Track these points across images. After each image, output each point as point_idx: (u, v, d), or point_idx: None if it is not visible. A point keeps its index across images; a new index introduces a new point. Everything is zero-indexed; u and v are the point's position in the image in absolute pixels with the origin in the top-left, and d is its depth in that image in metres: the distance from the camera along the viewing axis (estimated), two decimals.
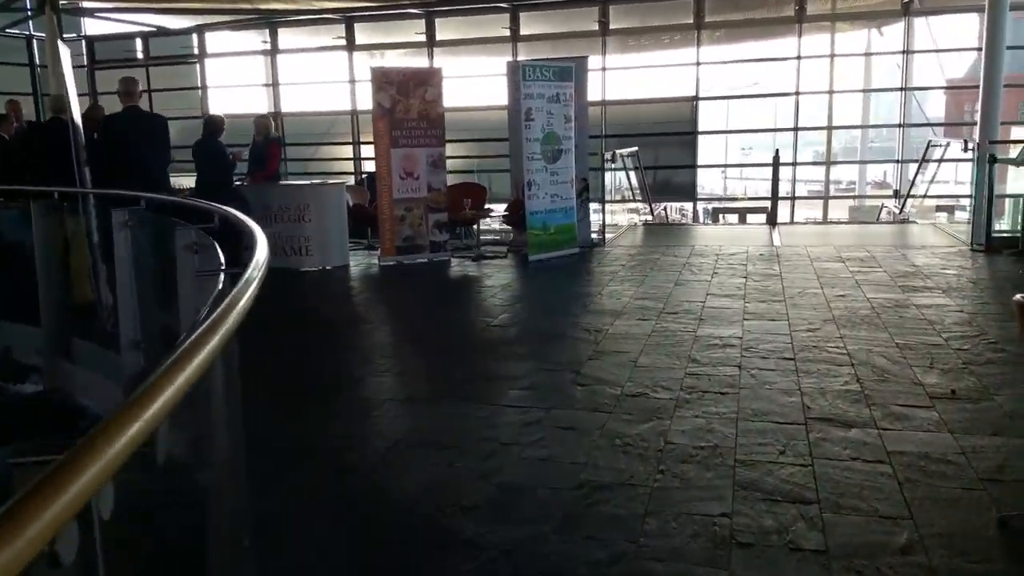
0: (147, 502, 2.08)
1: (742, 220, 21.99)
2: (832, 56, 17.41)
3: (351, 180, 15.25)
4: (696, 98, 16.58)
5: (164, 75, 19.86)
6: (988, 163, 7.40)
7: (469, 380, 4.41)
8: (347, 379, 4.55)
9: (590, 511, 2.77)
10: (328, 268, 8.15)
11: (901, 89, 16.31)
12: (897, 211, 13.48)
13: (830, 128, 18.38)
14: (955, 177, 14.81)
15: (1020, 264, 6.97)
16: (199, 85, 19.82)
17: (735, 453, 3.19)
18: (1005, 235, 7.78)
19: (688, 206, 19.38)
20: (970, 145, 8.14)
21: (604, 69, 16.84)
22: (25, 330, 5.34)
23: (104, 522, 1.14)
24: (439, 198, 8.40)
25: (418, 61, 18.25)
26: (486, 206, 9.31)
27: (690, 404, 3.79)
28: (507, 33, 17.16)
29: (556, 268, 8.01)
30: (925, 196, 11.31)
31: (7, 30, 15.82)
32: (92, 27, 19.25)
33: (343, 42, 18.51)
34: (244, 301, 1.68)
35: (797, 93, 16.27)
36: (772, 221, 10.83)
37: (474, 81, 17.30)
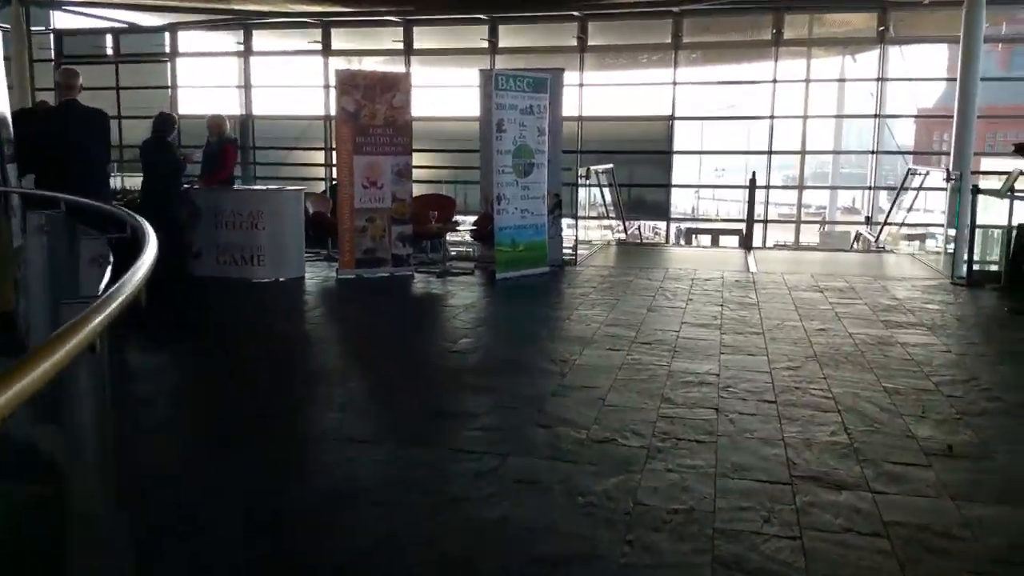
0: None
1: (715, 241, 21.87)
2: (807, 81, 17.38)
3: (322, 186, 14.76)
4: (672, 118, 16.40)
5: (134, 73, 19.26)
6: (972, 194, 7.15)
7: (420, 417, 3.97)
8: (283, 410, 4.09)
9: None
10: (282, 280, 7.66)
11: (875, 116, 16.30)
12: (872, 239, 13.34)
13: (803, 152, 18.34)
14: (924, 205, 14.72)
15: (1005, 300, 6.72)
16: (169, 84, 19.24)
17: (714, 520, 2.79)
18: (989, 269, 7.53)
19: (661, 225, 19.20)
20: (952, 176, 7.91)
21: (581, 85, 16.61)
22: None
23: None
24: (403, 209, 7.96)
25: (395, 69, 17.85)
26: (454, 219, 8.90)
27: (663, 454, 3.40)
28: (485, 45, 16.87)
29: (524, 288, 7.61)
30: (903, 224, 11.12)
31: None
32: (61, 21, 18.59)
33: (319, 46, 18.06)
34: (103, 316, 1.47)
35: (772, 117, 16.16)
36: (747, 245, 10.56)
37: (451, 91, 16.95)
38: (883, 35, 15.37)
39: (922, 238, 13.86)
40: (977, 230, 7.43)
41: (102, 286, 2.39)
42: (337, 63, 17.80)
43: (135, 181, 10.26)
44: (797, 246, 18.32)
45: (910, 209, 10.68)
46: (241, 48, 18.83)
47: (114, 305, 1.55)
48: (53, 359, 1.21)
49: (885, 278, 8.05)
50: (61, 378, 1.27)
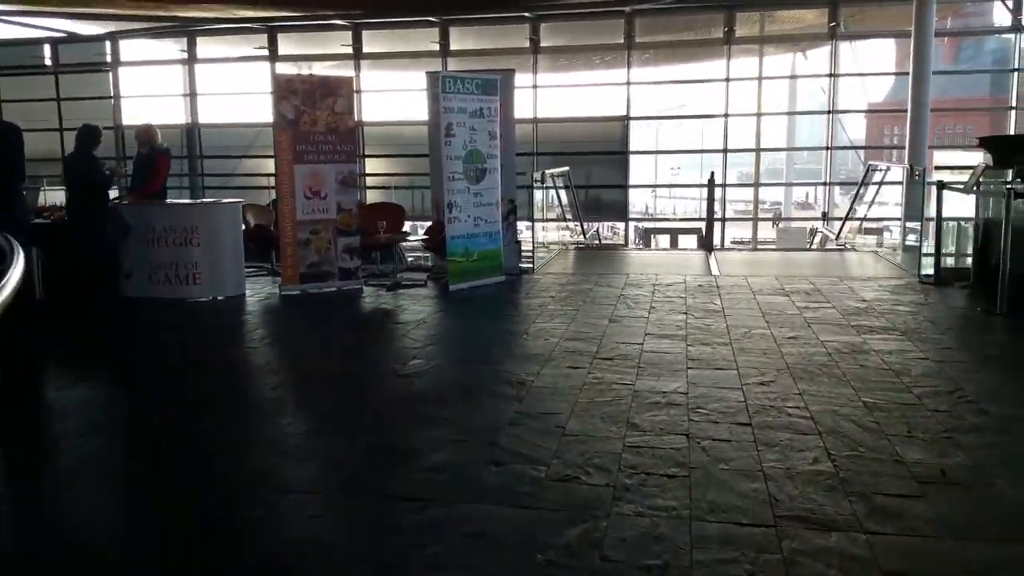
0: None
1: (674, 241, 21.75)
2: (760, 79, 17.34)
3: (273, 195, 14.20)
4: (627, 118, 16.21)
5: (74, 83, 18.45)
6: (936, 190, 6.96)
7: (360, 457, 3.54)
8: (209, 453, 3.62)
9: None
10: (220, 299, 7.15)
11: (828, 112, 16.31)
12: (831, 235, 13.23)
13: (759, 150, 18.32)
14: (878, 198, 14.71)
15: (976, 300, 6.52)
16: (111, 94, 18.46)
17: None
18: (955, 265, 7.36)
19: (620, 225, 18.98)
20: (916, 171, 7.73)
21: (535, 87, 16.32)
22: None
23: None
24: (349, 220, 7.50)
25: (345, 73, 17.32)
26: (405, 229, 8.46)
27: (631, 494, 3.03)
28: (436, 47, 16.47)
29: (479, 299, 7.21)
30: (864, 219, 10.99)
31: None
32: None
33: (265, 52, 17.48)
34: None
35: (726, 115, 16.07)
36: (708, 246, 10.31)
37: (405, 95, 16.52)
38: (834, 31, 15.36)
39: (879, 232, 13.81)
40: (943, 226, 7.25)
41: None
42: (285, 68, 17.22)
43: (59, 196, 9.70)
44: (756, 246, 18.28)
45: (871, 204, 10.53)
46: (185, 56, 18.18)
47: None
48: None
49: (850, 278, 7.84)
50: None
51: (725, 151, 16.56)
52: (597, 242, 15.04)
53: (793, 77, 20.13)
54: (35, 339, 4.67)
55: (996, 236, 6.62)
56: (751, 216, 20.54)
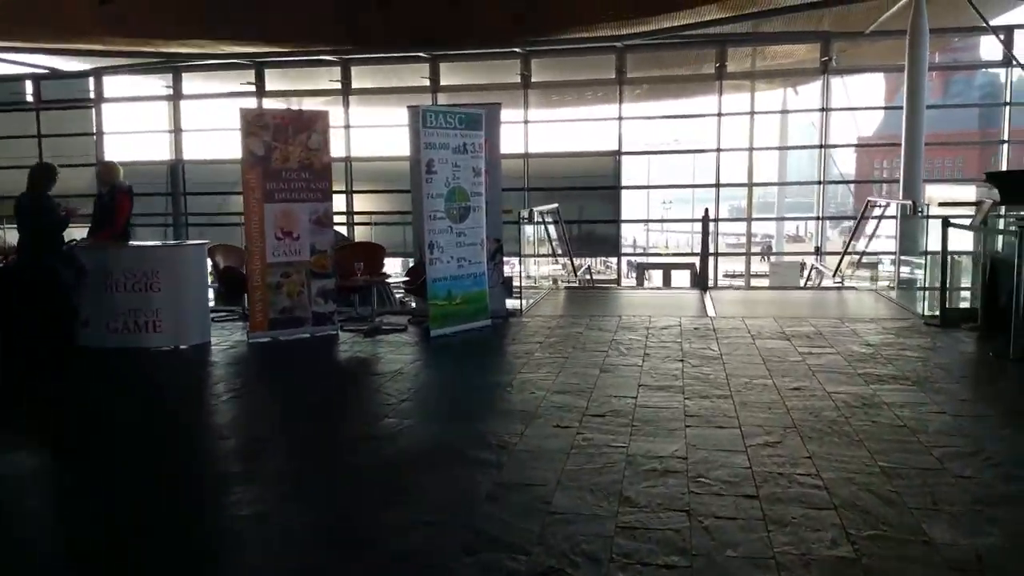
0: None
1: (666, 277, 21.45)
2: (752, 113, 17.20)
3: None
4: (619, 152, 16.00)
5: (56, 120, 18.18)
6: (942, 227, 6.62)
7: (312, 544, 3.10)
8: (141, 549, 3.16)
9: None
10: (183, 347, 6.71)
11: (820, 147, 16.14)
12: (828, 271, 12.93)
13: (751, 184, 18.12)
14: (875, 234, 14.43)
15: (986, 343, 6.15)
16: (94, 131, 18.19)
17: None
18: (961, 306, 7.01)
19: (612, 260, 18.67)
20: (919, 207, 7.41)
21: (526, 121, 16.12)
22: None
23: None
24: (323, 261, 7.11)
25: (334, 109, 17.10)
26: (384, 270, 8.06)
27: None
28: (427, 83, 16.29)
29: (462, 346, 6.80)
30: (863, 253, 10.68)
31: None
32: None
33: (253, 88, 17.26)
34: None
35: (719, 150, 15.88)
36: (703, 285, 9.95)
37: (395, 131, 16.27)
38: (826, 65, 15.24)
39: (873, 266, 13.51)
40: (945, 265, 6.92)
41: None
42: (273, 104, 16.98)
43: (75, 232, 9.33)
44: (750, 281, 17.98)
45: (870, 239, 10.23)
46: (170, 92, 17.95)
47: None
48: None
49: (852, 319, 7.46)
50: None
51: (718, 185, 16.36)
52: (589, 279, 14.71)
53: (784, 112, 20.06)
54: None
55: (1004, 275, 6.28)
56: (743, 251, 20.32)
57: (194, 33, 14.51)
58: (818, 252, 16.71)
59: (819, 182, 16.47)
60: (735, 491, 3.42)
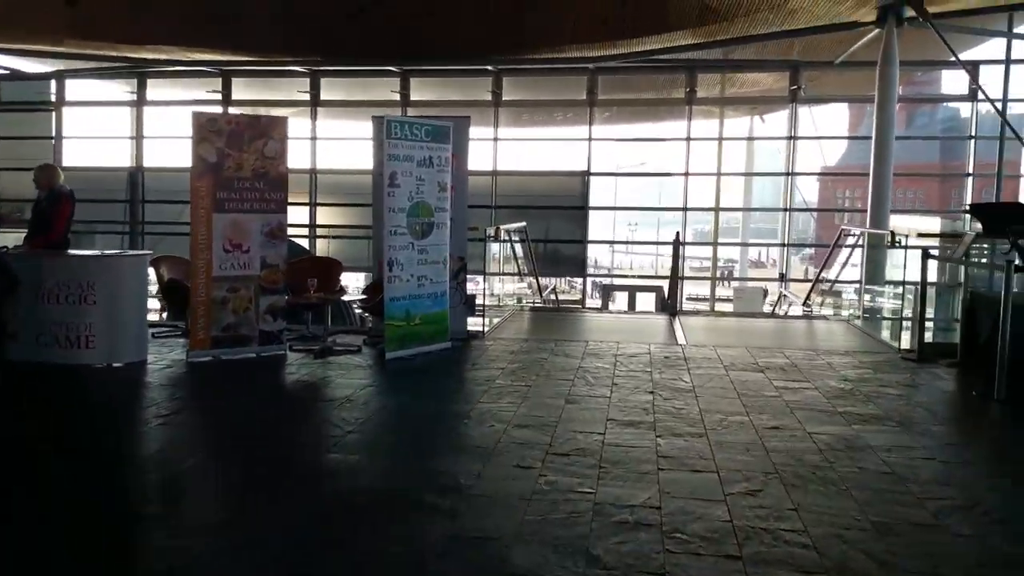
0: None
1: (632, 298, 21.27)
2: (720, 139, 17.16)
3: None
4: (588, 173, 15.79)
5: (15, 122, 17.45)
6: (922, 259, 6.40)
7: None
8: None
9: None
10: (116, 366, 6.18)
11: (787, 174, 16.11)
12: (796, 298, 12.80)
13: (718, 209, 18.05)
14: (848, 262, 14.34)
15: (967, 380, 5.92)
16: (53, 135, 17.48)
17: None
18: (938, 340, 6.80)
19: (578, 280, 18.39)
20: (898, 238, 7.21)
21: (496, 139, 15.84)
22: None
23: None
24: (275, 276, 6.65)
25: (302, 122, 16.64)
26: (340, 287, 7.61)
27: None
28: (397, 97, 15.94)
29: (418, 370, 6.37)
30: (835, 282, 10.52)
31: None
32: None
33: (219, 96, 16.72)
34: None
35: (687, 174, 15.75)
36: (672, 311, 9.67)
37: (363, 144, 15.85)
38: (795, 94, 15.22)
39: (838, 294, 13.40)
40: (924, 298, 6.70)
41: None
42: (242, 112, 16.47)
43: (10, 237, 8.73)
44: (715, 308, 17.85)
45: (843, 268, 10.08)
46: (134, 98, 17.35)
47: None
48: None
49: (825, 351, 7.21)
50: None
51: (685, 209, 16.24)
52: (555, 299, 14.38)
53: (752, 139, 20.12)
54: None
55: (985, 310, 6.08)
56: (707, 275, 20.20)
57: (165, 39, 14.01)
58: (783, 278, 16.65)
59: (785, 209, 16.45)
60: (715, 550, 3.06)
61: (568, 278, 22.60)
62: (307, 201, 16.54)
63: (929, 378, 6.09)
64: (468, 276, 7.73)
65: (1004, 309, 5.16)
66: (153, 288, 7.58)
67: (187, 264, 7.43)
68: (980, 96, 14.14)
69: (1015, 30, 13.35)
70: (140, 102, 17.38)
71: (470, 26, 12.81)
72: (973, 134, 15.07)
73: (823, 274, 10.86)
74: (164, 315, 9.19)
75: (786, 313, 12.48)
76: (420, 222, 6.80)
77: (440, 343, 7.02)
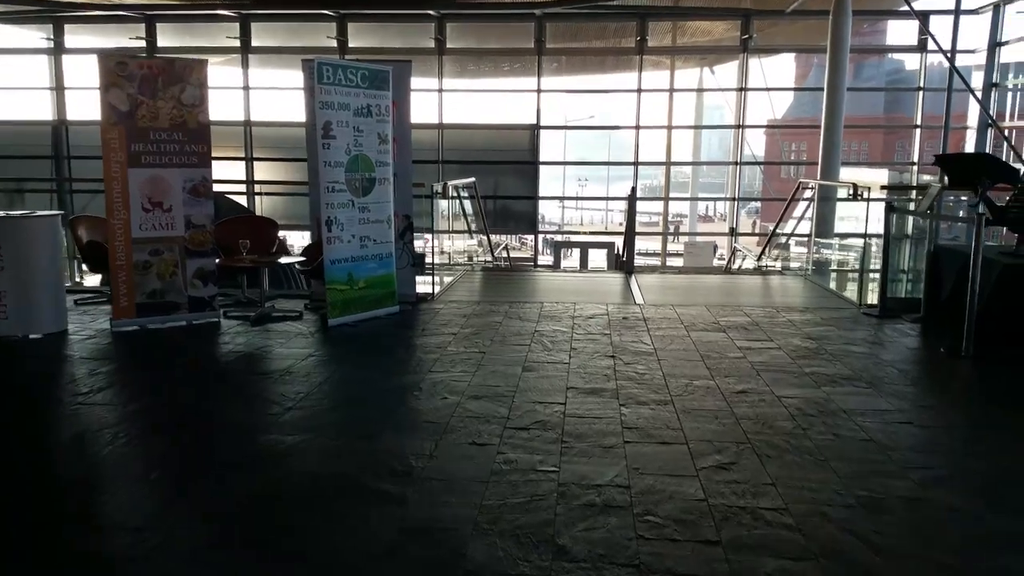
0: None
1: (584, 255, 21.06)
2: (671, 91, 16.85)
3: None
4: (537, 127, 15.32)
5: None
6: (885, 213, 6.20)
7: None
8: None
9: None
10: (32, 336, 5.61)
11: (737, 127, 15.92)
12: (750, 253, 12.70)
13: (669, 163, 17.84)
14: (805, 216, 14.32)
15: (933, 337, 5.78)
16: None
17: None
18: (898, 295, 6.66)
19: (529, 237, 18.05)
20: (861, 190, 7.00)
21: (441, 90, 15.21)
22: None
23: None
24: (202, 238, 6.11)
25: (233, 71, 15.71)
26: (276, 248, 7.09)
27: None
28: (334, 43, 15.12)
29: (364, 338, 5.95)
30: (792, 234, 10.39)
31: None
32: None
33: (143, 43, 15.63)
34: None
35: (637, 127, 15.42)
36: (628, 269, 9.40)
37: (298, 95, 15.05)
38: (746, 44, 14.94)
39: (786, 246, 13.39)
40: (888, 252, 6.53)
41: None
42: None
43: None
44: (666, 264, 17.73)
45: (799, 221, 9.93)
46: (50, 45, 16.10)
47: None
48: None
49: (786, 308, 7.03)
50: None
51: (636, 163, 15.93)
52: (507, 258, 14.02)
53: (702, 90, 19.85)
54: None
55: (950, 265, 5.93)
56: (657, 230, 20.02)
57: None
58: (733, 233, 16.60)
59: (735, 163, 16.31)
60: (692, 534, 2.78)
61: (519, 235, 22.23)
62: (243, 156, 15.71)
63: (893, 335, 5.94)
64: (416, 235, 7.29)
65: (974, 265, 4.98)
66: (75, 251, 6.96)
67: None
68: (930, 47, 14.06)
69: None
70: (58, 49, 16.20)
71: None
72: (922, 85, 15.06)
73: (778, 228, 10.72)
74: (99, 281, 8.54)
75: (740, 268, 12.37)
76: (360, 177, 6.31)
77: (387, 308, 6.60)
